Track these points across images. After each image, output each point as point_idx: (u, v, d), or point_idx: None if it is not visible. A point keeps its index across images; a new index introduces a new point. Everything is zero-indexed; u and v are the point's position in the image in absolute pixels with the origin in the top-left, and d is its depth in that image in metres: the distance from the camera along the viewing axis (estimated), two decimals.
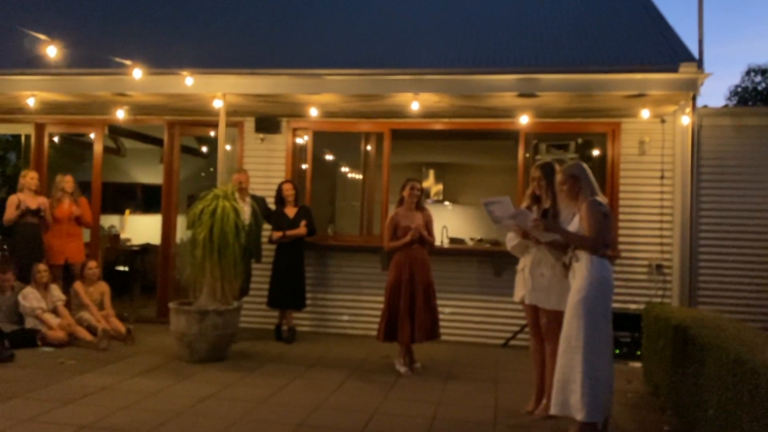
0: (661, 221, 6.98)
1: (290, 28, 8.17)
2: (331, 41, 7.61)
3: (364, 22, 8.28)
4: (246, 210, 6.59)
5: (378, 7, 8.74)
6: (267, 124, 7.66)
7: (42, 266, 6.64)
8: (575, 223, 4.24)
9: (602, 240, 4.07)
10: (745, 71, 22.77)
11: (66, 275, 7.23)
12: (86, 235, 7.75)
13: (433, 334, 5.80)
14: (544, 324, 4.55)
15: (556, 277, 4.44)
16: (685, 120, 6.33)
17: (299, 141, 7.85)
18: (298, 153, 7.87)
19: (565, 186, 4.19)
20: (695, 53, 6.18)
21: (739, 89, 22.30)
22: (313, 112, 7.23)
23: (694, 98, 6.15)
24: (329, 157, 9.53)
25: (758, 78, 22.06)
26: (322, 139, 8.11)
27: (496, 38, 7.33)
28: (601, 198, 4.19)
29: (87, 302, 6.79)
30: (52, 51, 5.87)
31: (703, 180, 6.87)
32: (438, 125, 7.57)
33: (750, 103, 21.00)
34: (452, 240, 8.15)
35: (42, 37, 5.87)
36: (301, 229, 6.94)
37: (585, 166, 4.27)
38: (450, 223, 8.60)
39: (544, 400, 4.58)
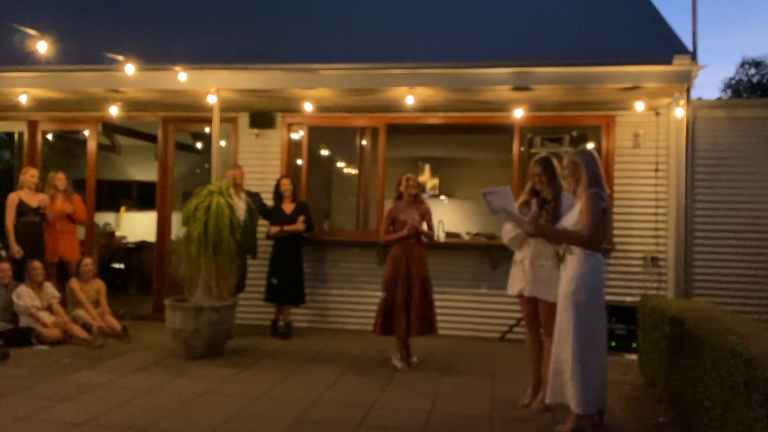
0: (656, 213, 6.99)
1: (284, 22, 8.12)
2: (325, 35, 7.57)
3: (358, 16, 8.24)
4: (241, 206, 6.57)
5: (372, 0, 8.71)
6: (261, 120, 7.65)
7: (37, 264, 6.60)
8: (575, 212, 4.23)
9: (598, 237, 4.03)
10: (739, 63, 22.85)
11: (61, 273, 7.20)
12: (81, 232, 7.72)
13: (430, 328, 5.79)
14: (544, 316, 4.53)
15: (556, 268, 4.44)
16: (680, 112, 6.33)
17: (294, 136, 7.83)
18: (293, 148, 7.85)
19: (566, 171, 4.20)
20: (689, 46, 6.19)
21: (734, 81, 22.36)
22: (308, 106, 7.20)
23: (688, 90, 6.16)
24: (325, 152, 9.51)
25: (752, 70, 22.14)
26: (317, 134, 8.09)
27: (490, 31, 7.31)
28: (605, 189, 4.12)
29: (82, 299, 6.77)
30: (43, 47, 5.78)
31: (698, 172, 6.88)
32: (433, 119, 7.56)
33: (744, 96, 21.04)
34: (448, 234, 8.14)
35: (34, 33, 5.81)
36: (299, 225, 6.92)
37: (594, 153, 4.22)
38: (446, 218, 8.58)
39: (540, 393, 4.59)
